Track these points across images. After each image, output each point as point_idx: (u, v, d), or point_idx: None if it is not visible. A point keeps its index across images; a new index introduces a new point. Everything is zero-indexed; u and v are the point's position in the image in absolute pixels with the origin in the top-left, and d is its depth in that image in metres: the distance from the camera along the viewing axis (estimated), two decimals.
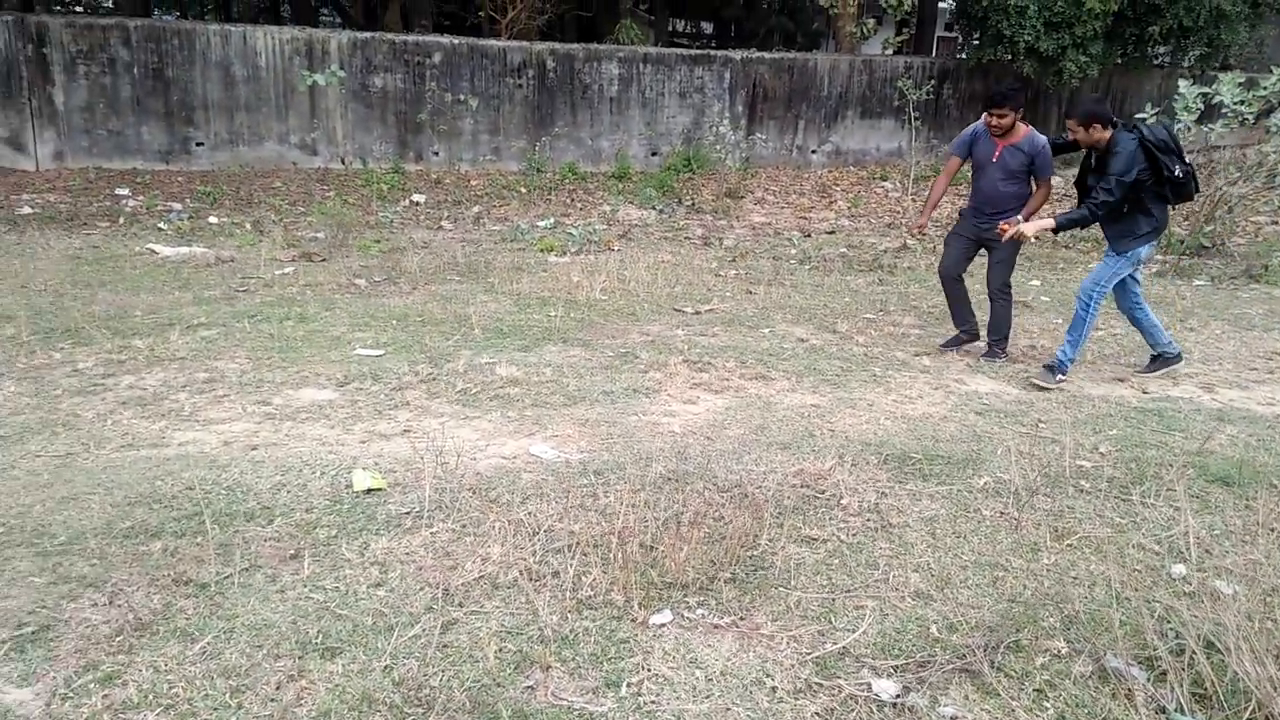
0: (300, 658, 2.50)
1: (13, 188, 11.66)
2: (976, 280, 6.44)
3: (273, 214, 11.04)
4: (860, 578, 3.06)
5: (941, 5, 22.43)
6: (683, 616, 2.77)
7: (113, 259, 8.28)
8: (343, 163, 13.98)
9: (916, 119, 15.01)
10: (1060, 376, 5.35)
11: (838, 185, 14.74)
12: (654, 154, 15.36)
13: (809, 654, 2.62)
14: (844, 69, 16.23)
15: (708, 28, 26.97)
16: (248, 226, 10.13)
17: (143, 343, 5.47)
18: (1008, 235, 5.29)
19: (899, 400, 5.00)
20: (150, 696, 2.32)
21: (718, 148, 14.87)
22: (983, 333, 5.94)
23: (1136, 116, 6.29)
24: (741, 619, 2.77)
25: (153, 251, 8.62)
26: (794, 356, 5.73)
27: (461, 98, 14.24)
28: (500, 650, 2.55)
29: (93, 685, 2.37)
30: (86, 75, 12.89)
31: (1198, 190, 5.39)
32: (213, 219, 10.62)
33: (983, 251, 5.85)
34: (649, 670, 2.51)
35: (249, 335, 5.78)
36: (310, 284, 7.35)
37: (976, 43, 16.11)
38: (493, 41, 14.71)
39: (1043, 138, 5.48)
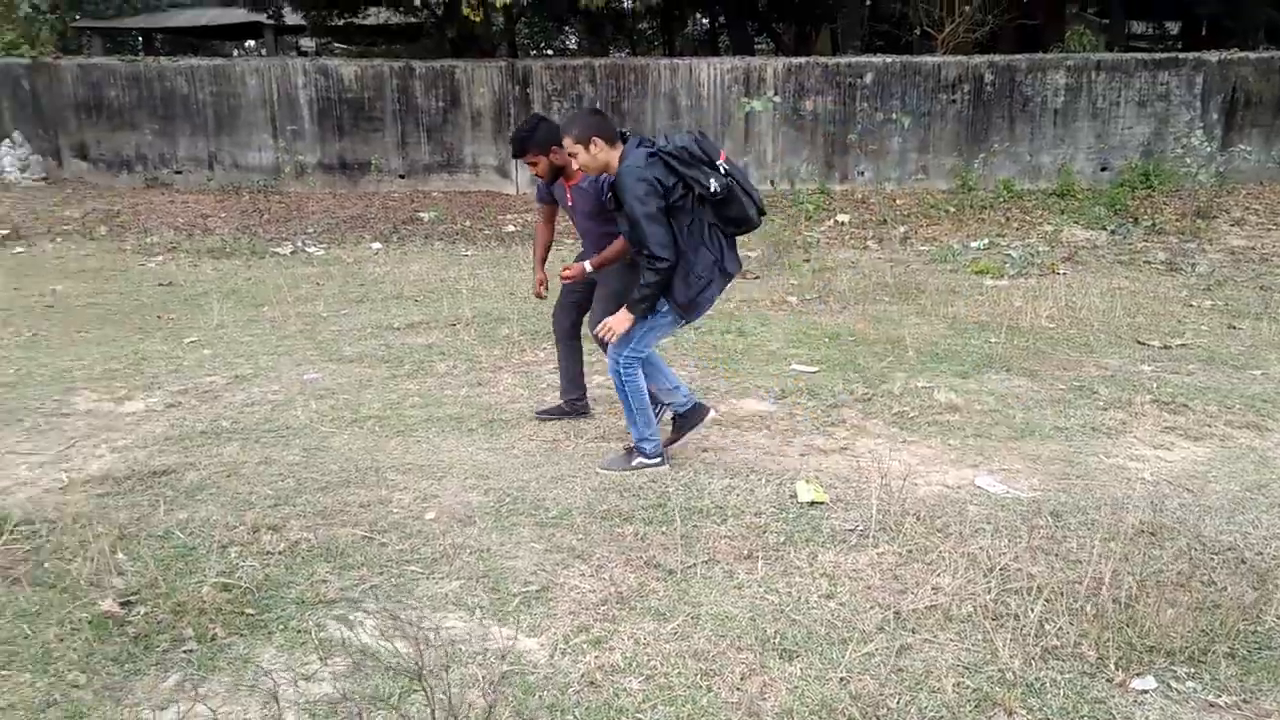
0: (760, 654, 2.63)
1: (500, 209, 13.70)
2: None
3: None
4: None
5: None
6: (1169, 686, 2.48)
7: None
8: (771, 184, 14.53)
9: None
10: (644, 459, 4.06)
11: None
12: (1103, 169, 14.02)
13: None
14: None
15: (1173, 28, 24.07)
16: None
17: None
18: (570, 277, 4.33)
19: None
20: (633, 664, 2.58)
21: (1186, 161, 13.19)
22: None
23: None
24: (1245, 701, 2.41)
25: None
26: None
27: (893, 116, 14.11)
28: (959, 685, 2.47)
29: (585, 645, 2.69)
30: (559, 111, 14.73)
31: (761, 211, 3.83)
32: None
33: None
34: None
35: (695, 345, 6.21)
36: (746, 300, 7.72)
37: None
38: (927, 58, 14.41)
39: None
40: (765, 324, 6.83)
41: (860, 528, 3.43)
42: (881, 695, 2.43)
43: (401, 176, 14.84)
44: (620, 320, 3.83)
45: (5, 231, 11.34)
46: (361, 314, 7.36)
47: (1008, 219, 12.21)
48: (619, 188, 3.69)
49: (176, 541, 3.36)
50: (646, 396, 4.07)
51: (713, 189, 3.65)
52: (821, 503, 3.68)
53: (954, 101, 14.14)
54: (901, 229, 11.75)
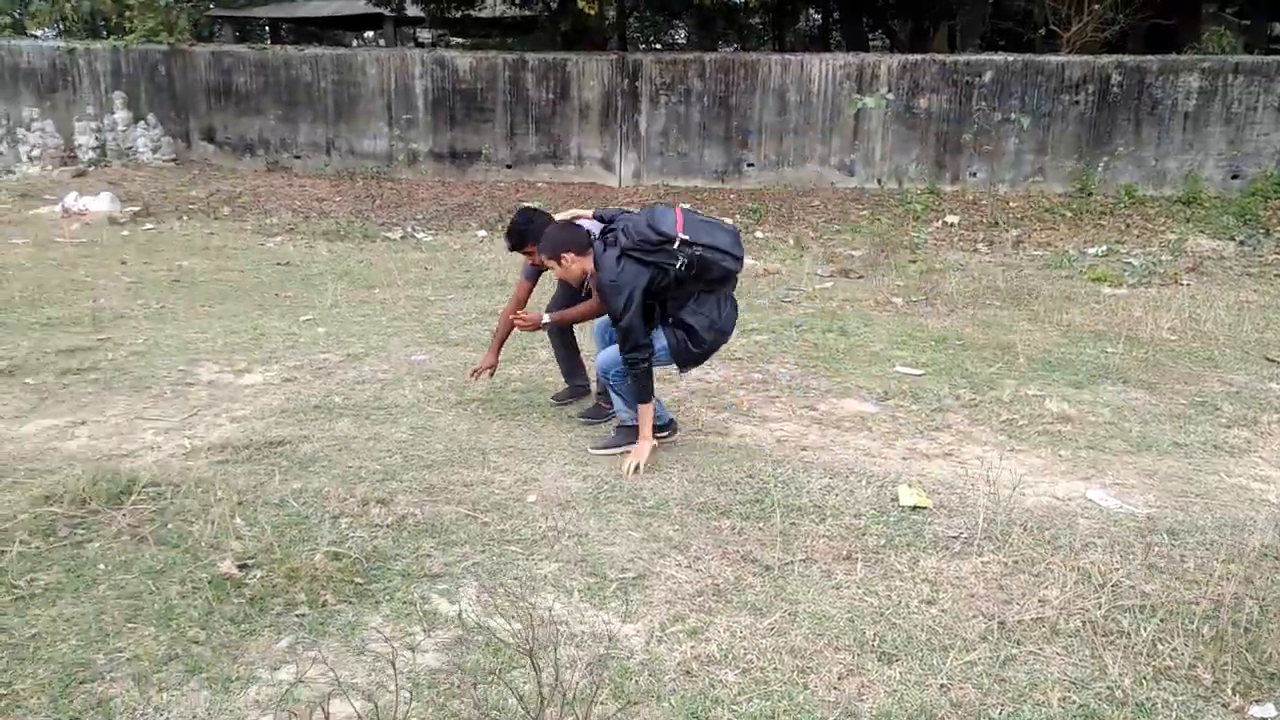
0: (858, 655, 2.59)
1: (602, 201, 13.81)
2: None
3: (811, 231, 11.66)
4: None
5: None
6: None
7: None
8: (879, 183, 14.26)
9: None
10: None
11: None
12: (1234, 177, 13.30)
13: None
14: None
15: None
16: (790, 242, 10.81)
17: None
18: (524, 323, 4.45)
19: None
20: (729, 656, 2.58)
21: None
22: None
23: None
24: None
25: None
26: None
27: (1011, 116, 13.67)
28: (1064, 699, 2.40)
29: (681, 635, 2.70)
30: (665, 104, 14.76)
31: (738, 257, 3.90)
32: (759, 233, 11.52)
33: None
34: None
35: (795, 343, 6.16)
36: (849, 299, 7.61)
37: None
38: (1050, 57, 13.91)
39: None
40: (869, 324, 6.71)
41: (965, 535, 3.34)
42: (983, 705, 2.37)
43: (508, 166, 15.10)
44: (642, 448, 3.99)
45: (137, 209, 11.99)
46: (467, 299, 7.53)
47: (1128, 225, 11.71)
48: (601, 293, 3.97)
49: (291, 510, 3.50)
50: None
51: (679, 267, 3.83)
52: (924, 508, 3.61)
53: (1076, 102, 13.62)
54: (1014, 232, 11.39)
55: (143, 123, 14.72)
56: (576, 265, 4.06)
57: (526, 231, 4.41)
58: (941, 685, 2.45)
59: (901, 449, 4.33)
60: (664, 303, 4.00)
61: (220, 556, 3.09)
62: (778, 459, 4.15)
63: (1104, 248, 10.18)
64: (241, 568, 3.03)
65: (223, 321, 6.57)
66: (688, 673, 2.51)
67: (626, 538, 3.35)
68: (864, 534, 3.38)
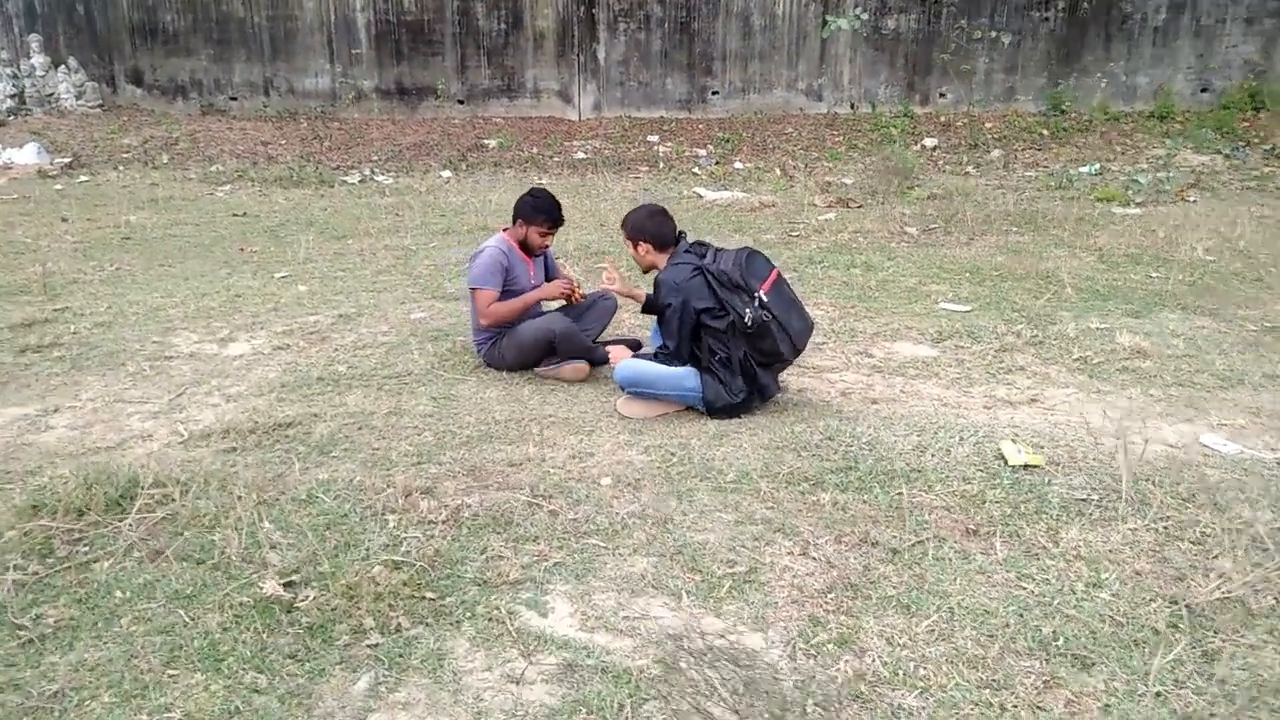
0: (1046, 661, 2.23)
1: (565, 135, 13.13)
2: None
3: (791, 159, 11.19)
4: None
5: None
6: None
7: (664, 201, 8.88)
8: (851, 108, 13.78)
9: None
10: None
11: None
12: (1204, 90, 13.10)
13: None
14: None
15: None
16: (777, 172, 10.34)
17: None
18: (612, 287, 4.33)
19: None
20: (899, 674, 2.19)
21: None
22: None
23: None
24: None
25: (699, 195, 9.10)
26: None
27: (992, 34, 13.22)
28: None
29: (830, 647, 2.30)
30: (625, 32, 14.00)
31: (796, 348, 3.75)
32: (737, 164, 11.02)
33: None
34: None
35: (823, 282, 5.75)
36: (859, 231, 7.20)
37: None
38: None
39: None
40: (890, 257, 6.32)
41: (1096, 498, 3.00)
42: (1213, 715, 2.02)
43: (460, 102, 14.27)
44: (625, 358, 3.95)
45: (67, 160, 11.04)
46: (451, 247, 6.95)
47: (1109, 143, 11.45)
48: (658, 291, 3.83)
49: (324, 507, 3.01)
50: (654, 374, 3.86)
51: (747, 320, 3.63)
52: (1037, 466, 3.25)
53: (1046, 19, 13.23)
54: (995, 153, 11.06)
55: (63, 67, 13.53)
56: (649, 258, 3.98)
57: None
58: (1156, 693, 2.10)
59: (980, 397, 3.97)
60: (707, 345, 3.76)
61: (258, 573, 2.60)
62: (849, 415, 3.76)
63: (1096, 166, 9.91)
64: (287, 586, 2.55)
65: (189, 282, 5.92)
66: (858, 697, 2.12)
67: (718, 521, 2.94)
68: (983, 502, 3.01)
